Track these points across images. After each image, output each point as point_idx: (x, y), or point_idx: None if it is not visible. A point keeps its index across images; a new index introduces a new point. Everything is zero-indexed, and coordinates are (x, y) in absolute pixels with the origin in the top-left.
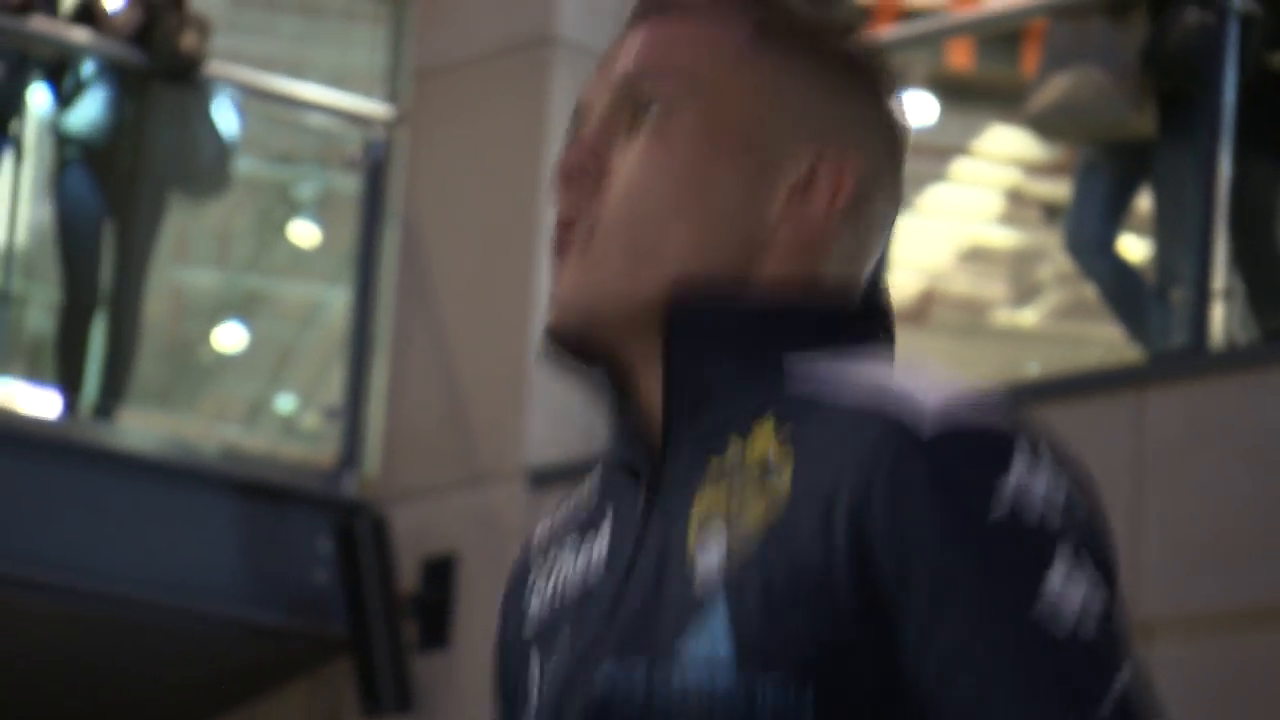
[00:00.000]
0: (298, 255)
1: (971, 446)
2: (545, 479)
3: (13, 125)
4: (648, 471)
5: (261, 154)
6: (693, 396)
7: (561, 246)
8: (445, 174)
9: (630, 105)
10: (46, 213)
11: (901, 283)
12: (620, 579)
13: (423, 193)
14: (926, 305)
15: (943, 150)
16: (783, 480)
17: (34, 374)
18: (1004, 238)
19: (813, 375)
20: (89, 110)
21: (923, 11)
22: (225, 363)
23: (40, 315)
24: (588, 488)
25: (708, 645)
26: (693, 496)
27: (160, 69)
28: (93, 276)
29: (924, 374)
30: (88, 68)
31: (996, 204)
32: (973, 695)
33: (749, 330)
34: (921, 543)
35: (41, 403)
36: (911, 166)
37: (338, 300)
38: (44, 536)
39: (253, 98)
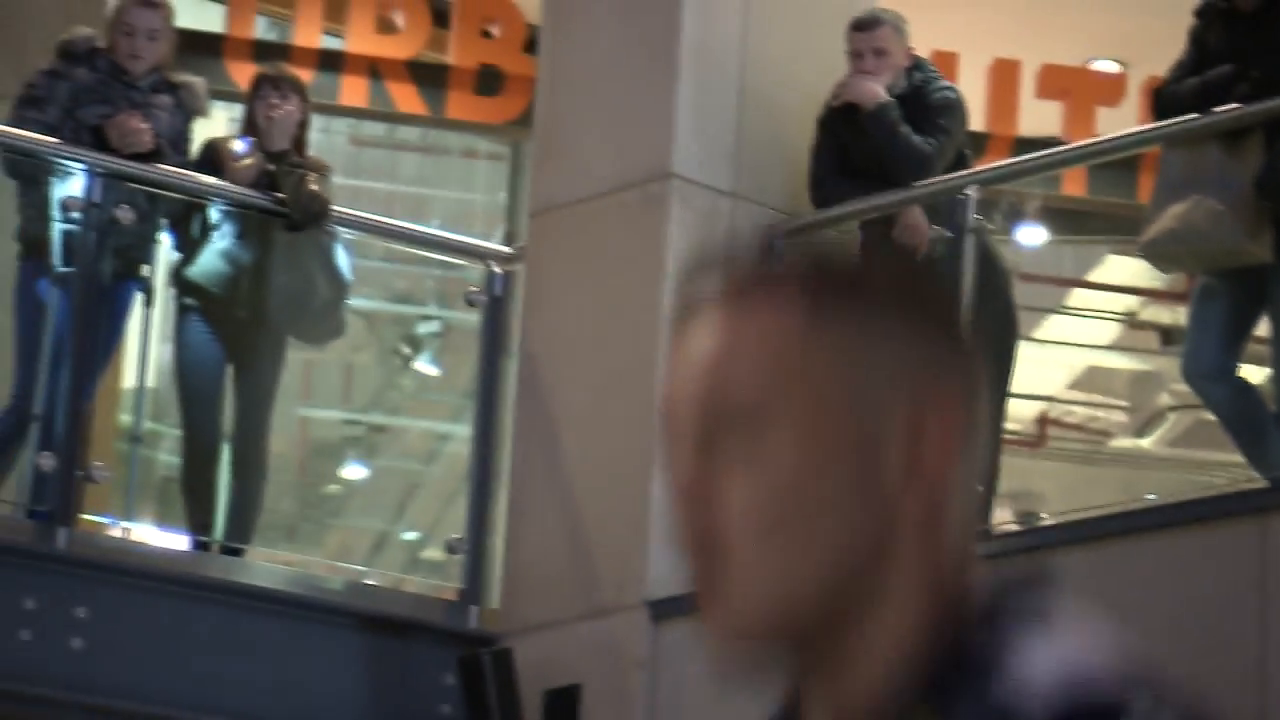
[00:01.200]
0: (419, 391)
1: None
2: (667, 611)
3: (142, 269)
4: None
5: (383, 292)
6: (849, 698)
7: (693, 559)
8: (563, 309)
9: (719, 415)
10: (171, 355)
11: (1020, 409)
12: None
13: (541, 328)
14: (1044, 432)
15: (1059, 279)
16: None
17: (164, 512)
18: (1121, 364)
19: (968, 669)
20: (211, 255)
21: (1037, 141)
22: (350, 498)
23: (170, 455)
24: None
25: None
26: None
27: (290, 216)
28: (215, 420)
29: (1068, 656)
30: (212, 213)
31: (1113, 330)
32: None
33: (895, 631)
34: None
35: (171, 540)
36: (1029, 295)
37: (459, 435)
38: (175, 673)
39: (374, 237)
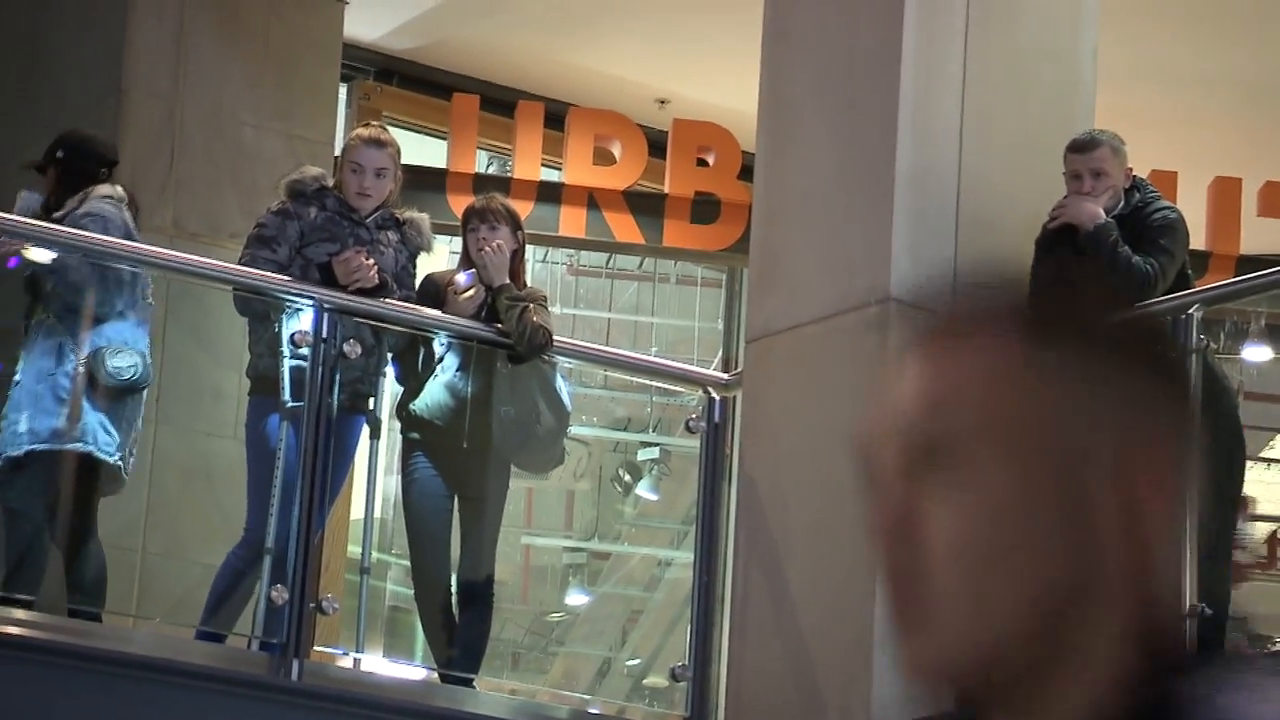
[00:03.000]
0: (640, 518)
1: None
2: None
3: (369, 403)
4: None
5: (603, 420)
6: None
7: (891, 592)
8: (781, 433)
9: (924, 450)
10: (397, 487)
11: (1251, 530)
12: None
13: (760, 452)
14: (1276, 552)
15: None
16: None
17: (393, 643)
18: None
19: (1191, 707)
20: (435, 388)
21: (1260, 259)
22: (573, 626)
23: (398, 585)
24: None
25: None
26: None
27: (513, 347)
28: (444, 552)
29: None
30: (435, 346)
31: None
32: None
33: (1107, 675)
34: None
35: (402, 672)
36: (1256, 414)
37: (681, 560)
38: None
39: (594, 366)
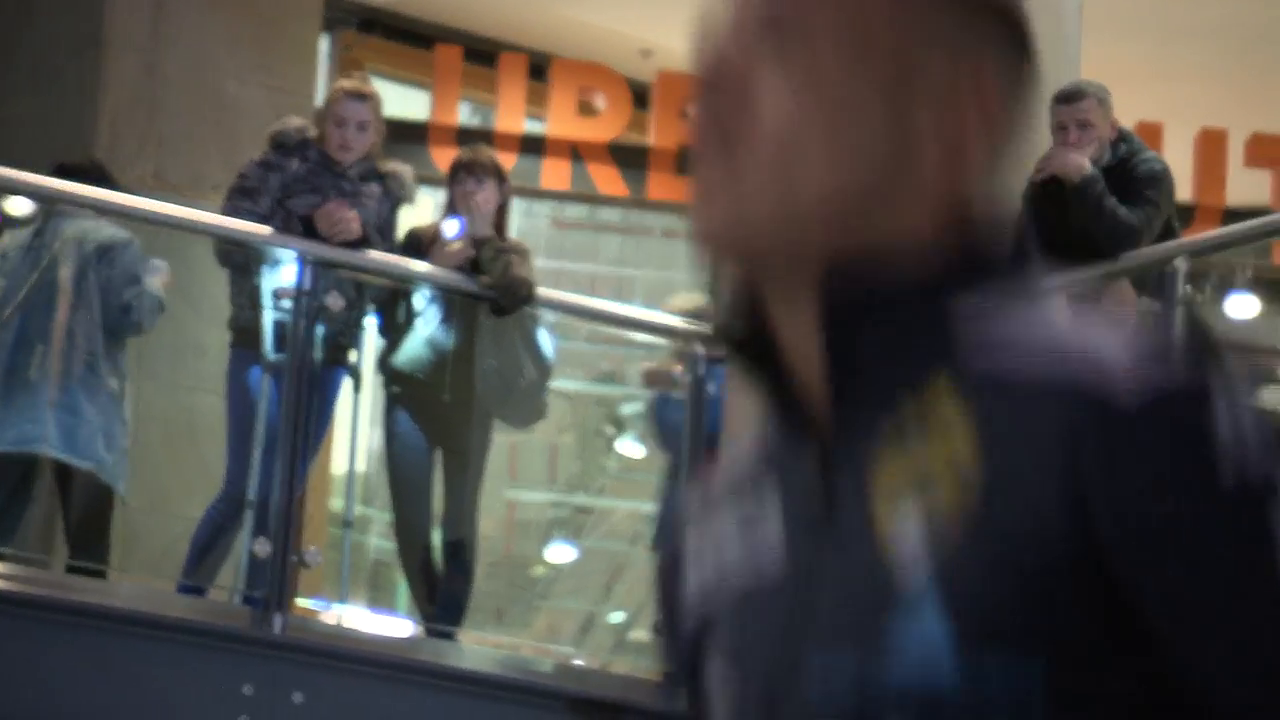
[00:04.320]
0: (624, 472)
1: (1179, 413)
2: None
3: (350, 355)
4: (816, 434)
5: (587, 373)
6: (856, 356)
7: (703, 154)
8: None
9: (773, 21)
10: (380, 440)
11: None
12: (804, 555)
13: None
14: None
15: (1270, 351)
16: (971, 449)
17: (375, 597)
18: None
19: (983, 326)
20: (417, 342)
21: (1246, 211)
22: (556, 580)
23: (380, 539)
24: (740, 450)
25: (921, 627)
26: (870, 462)
27: (495, 300)
28: (425, 506)
29: (1100, 323)
30: (417, 299)
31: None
32: (1235, 663)
33: (910, 282)
34: (1149, 526)
35: (383, 624)
36: (1240, 366)
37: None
38: None
39: (577, 318)
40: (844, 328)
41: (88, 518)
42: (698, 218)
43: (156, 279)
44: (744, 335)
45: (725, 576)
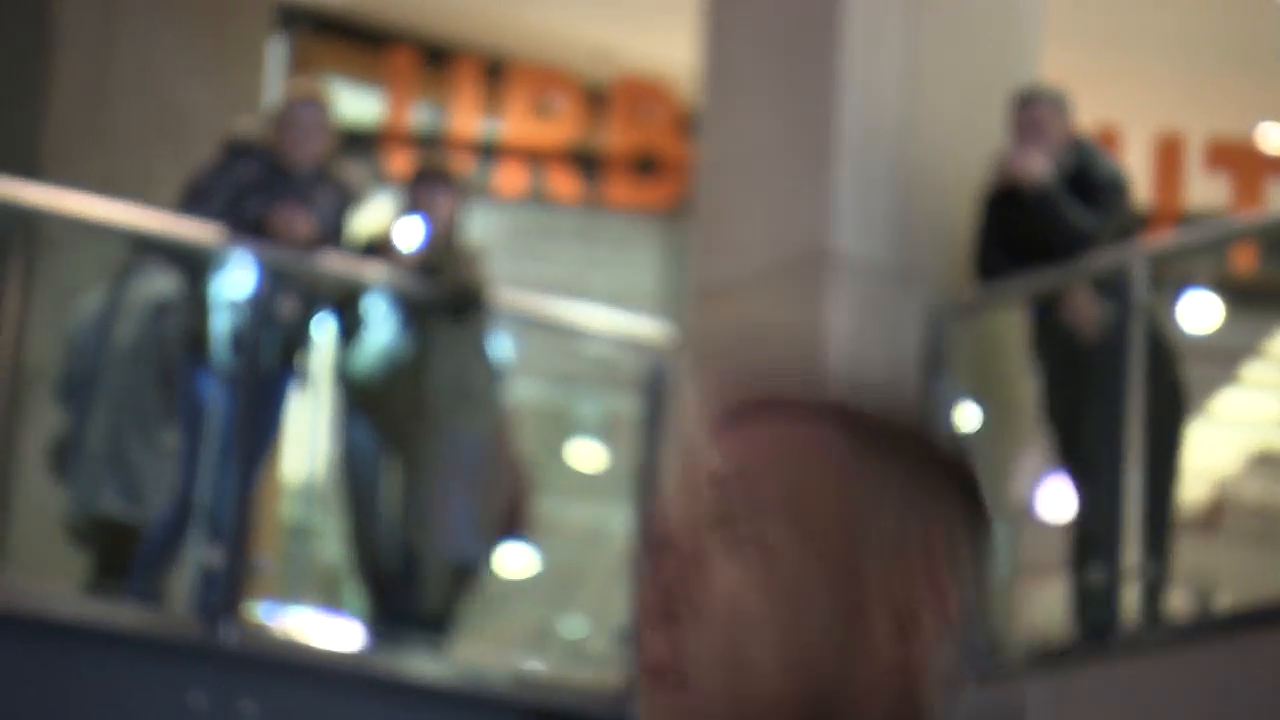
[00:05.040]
0: (580, 477)
1: None
2: None
3: (300, 359)
4: None
5: (543, 377)
6: None
7: (654, 681)
8: None
9: (724, 518)
10: (331, 446)
11: (1192, 491)
12: None
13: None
14: (1218, 514)
15: (1230, 354)
16: None
17: (328, 604)
18: None
19: None
20: (370, 347)
21: (1204, 216)
22: (512, 586)
23: (334, 546)
24: None
25: None
26: None
27: (449, 302)
28: (377, 515)
29: None
30: (371, 302)
31: None
32: None
33: None
34: None
35: (336, 633)
36: (1200, 371)
37: (623, 521)
38: None
39: (532, 323)
40: None
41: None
42: (647, 708)
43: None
44: None
45: None
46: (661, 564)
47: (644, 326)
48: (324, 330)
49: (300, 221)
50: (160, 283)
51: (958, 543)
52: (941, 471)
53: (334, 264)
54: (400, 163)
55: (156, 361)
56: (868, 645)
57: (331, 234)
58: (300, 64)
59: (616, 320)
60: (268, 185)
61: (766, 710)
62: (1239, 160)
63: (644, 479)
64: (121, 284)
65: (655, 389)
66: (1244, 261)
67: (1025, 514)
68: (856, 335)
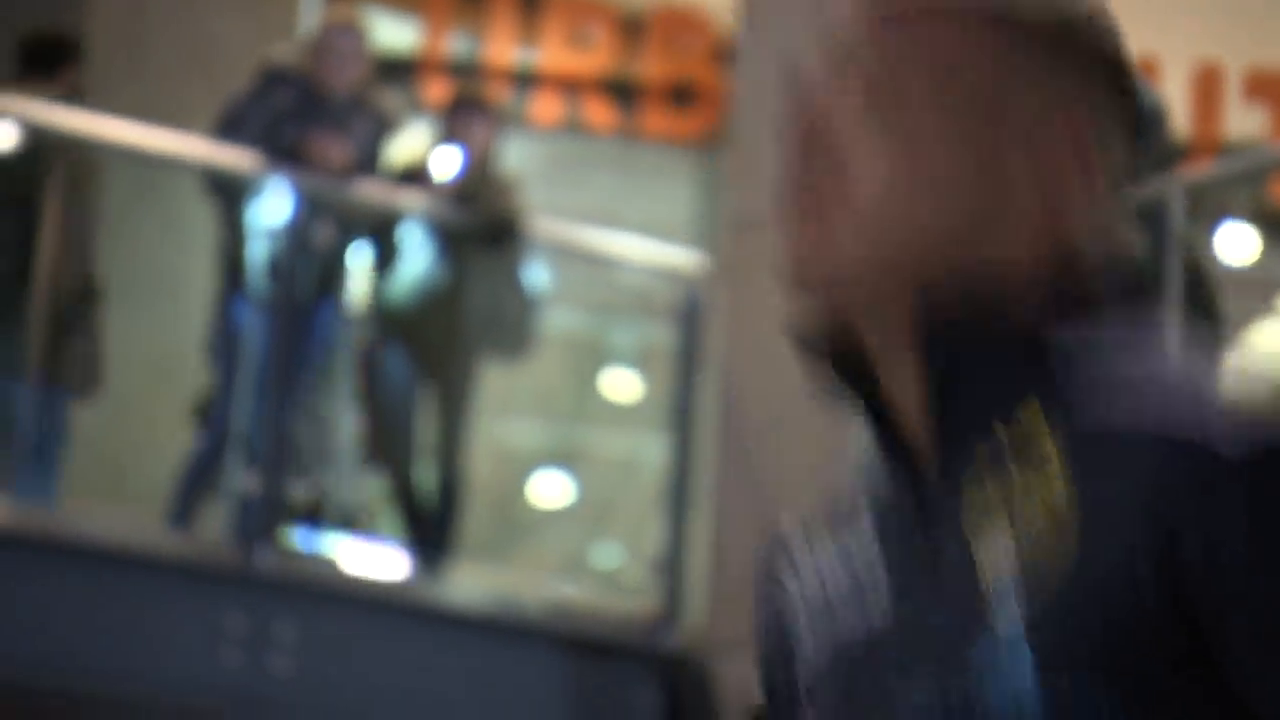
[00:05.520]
0: (615, 407)
1: (1276, 469)
2: None
3: (339, 287)
4: (911, 461)
5: (579, 306)
6: (952, 384)
7: (797, 209)
8: (760, 322)
9: (872, 110)
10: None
11: None
12: (896, 577)
13: (739, 341)
14: None
15: (1268, 284)
16: (1065, 486)
17: (365, 531)
18: None
19: (1083, 362)
20: (406, 274)
21: (1243, 146)
22: (547, 516)
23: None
24: (840, 483)
25: (1007, 654)
26: (963, 487)
27: (484, 232)
28: (412, 443)
29: (1202, 370)
30: (407, 230)
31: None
32: None
33: (1006, 316)
34: (1242, 578)
35: (372, 560)
36: (1237, 302)
37: (657, 451)
38: (378, 693)
39: (567, 253)
40: (942, 359)
41: None
42: (790, 260)
43: None
44: (843, 363)
45: (823, 593)
46: (807, 157)
47: (679, 257)
48: (360, 257)
49: (336, 148)
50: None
51: (1106, 125)
52: (1094, 65)
53: (370, 192)
54: (436, 91)
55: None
56: (1009, 208)
57: (367, 162)
58: None
59: (651, 250)
60: (304, 113)
61: (905, 256)
62: (1277, 90)
63: (679, 409)
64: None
65: (690, 319)
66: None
67: None
68: None
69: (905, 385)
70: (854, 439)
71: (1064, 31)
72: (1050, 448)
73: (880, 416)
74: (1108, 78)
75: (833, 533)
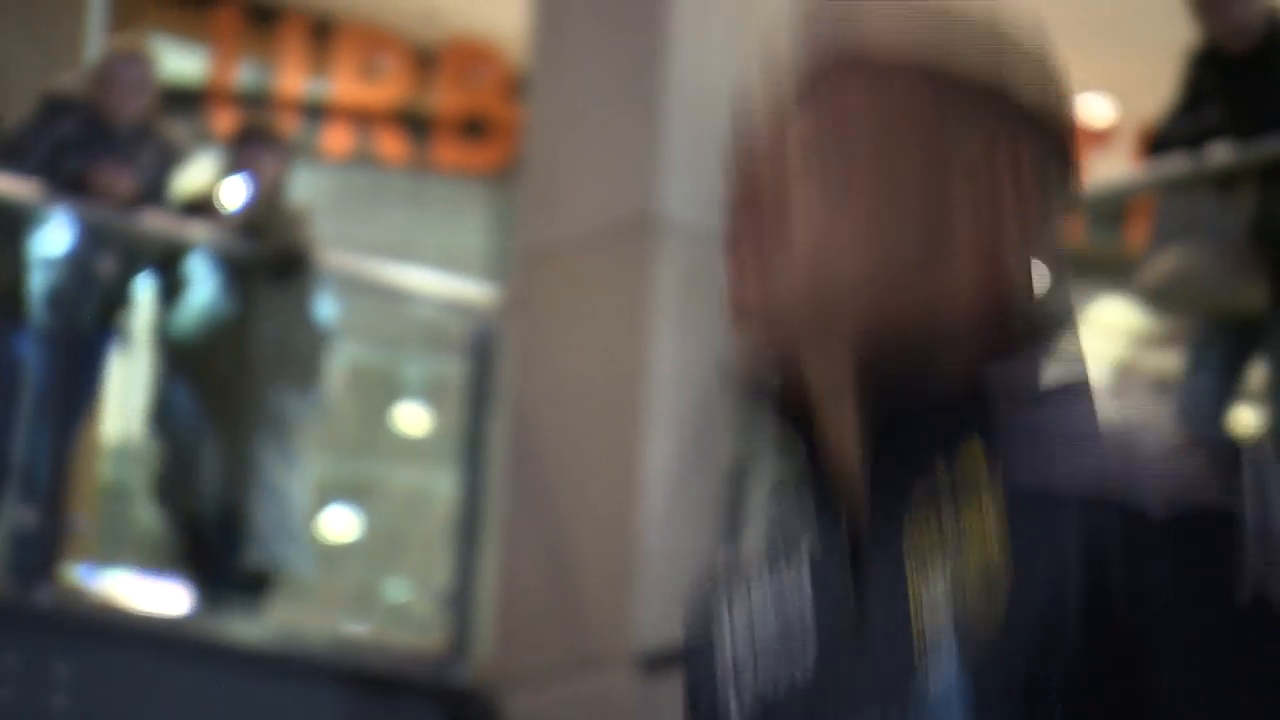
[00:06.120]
0: (406, 440)
1: (1205, 527)
2: (656, 661)
3: (121, 318)
4: (846, 502)
5: (370, 339)
6: (892, 425)
7: (739, 259)
8: (551, 356)
9: (813, 165)
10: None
11: None
12: (833, 616)
13: (528, 375)
14: None
15: None
16: (998, 533)
17: (146, 566)
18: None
19: (1017, 409)
20: (192, 307)
21: None
22: (335, 550)
23: (150, 507)
24: (768, 517)
25: (942, 687)
26: (902, 525)
27: (272, 263)
28: (198, 476)
29: (1139, 428)
30: (193, 262)
31: (1107, 377)
32: None
33: (946, 358)
34: (1167, 635)
35: (154, 596)
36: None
37: (447, 485)
38: None
39: (359, 286)
40: (883, 400)
41: None
42: (733, 297)
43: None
44: (783, 403)
45: (754, 633)
46: (748, 206)
47: (471, 290)
48: (144, 289)
49: (120, 179)
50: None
51: (1044, 175)
52: (1030, 113)
53: (155, 223)
54: (225, 122)
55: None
56: (949, 244)
57: (153, 192)
58: (123, 20)
59: (443, 283)
60: (88, 142)
61: (846, 295)
62: None
63: (470, 442)
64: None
65: (482, 353)
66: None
67: None
68: (684, 299)
69: (845, 426)
70: (652, 475)
71: (1000, 82)
72: (988, 493)
73: (817, 456)
74: (1044, 126)
75: (766, 574)
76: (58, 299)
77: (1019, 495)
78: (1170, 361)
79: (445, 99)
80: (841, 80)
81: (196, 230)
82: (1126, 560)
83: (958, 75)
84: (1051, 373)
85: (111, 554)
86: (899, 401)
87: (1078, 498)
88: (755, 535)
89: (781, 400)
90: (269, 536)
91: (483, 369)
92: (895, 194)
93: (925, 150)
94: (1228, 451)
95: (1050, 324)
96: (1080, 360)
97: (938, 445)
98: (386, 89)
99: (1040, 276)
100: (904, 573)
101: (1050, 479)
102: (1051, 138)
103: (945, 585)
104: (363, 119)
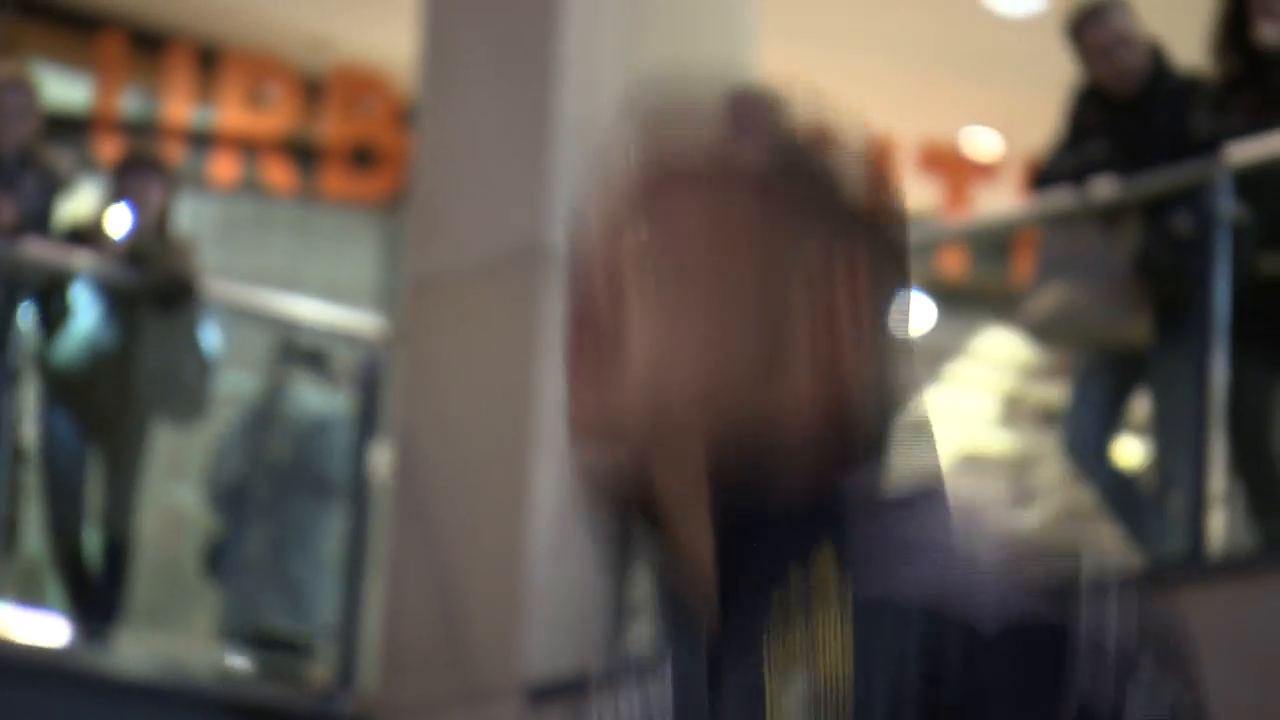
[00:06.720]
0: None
1: (1036, 641)
2: (543, 693)
3: (4, 349)
4: (705, 608)
5: (255, 369)
6: (743, 534)
7: (575, 372)
8: (439, 386)
9: (647, 279)
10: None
11: None
12: None
13: (416, 406)
14: None
15: (938, 354)
16: (847, 635)
17: (28, 598)
18: (1001, 441)
19: (863, 517)
20: (75, 336)
21: (914, 219)
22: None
23: (35, 538)
24: (644, 628)
25: None
26: (760, 635)
27: (157, 292)
28: (78, 506)
29: (985, 538)
30: (77, 291)
31: (993, 408)
32: None
33: (791, 465)
34: None
35: (36, 628)
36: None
37: (333, 516)
38: None
39: (245, 315)
40: (731, 510)
41: None
42: (573, 410)
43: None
44: (631, 512)
45: None
46: (583, 320)
47: (358, 320)
48: (27, 319)
49: (2, 207)
50: (314, 398)
51: (880, 275)
52: (864, 216)
53: (38, 251)
54: (109, 150)
55: (315, 478)
56: (793, 369)
57: (36, 221)
58: (5, 47)
59: (330, 313)
60: None
61: (687, 441)
62: (948, 164)
63: (355, 473)
64: (274, 397)
65: (368, 382)
66: (952, 264)
67: None
68: None
69: (698, 536)
70: (540, 507)
71: (834, 188)
72: (837, 603)
73: (669, 565)
74: (879, 226)
75: (637, 683)
76: None
77: (865, 605)
78: (1055, 393)
79: (333, 128)
80: (676, 191)
81: (80, 259)
82: (961, 672)
83: (792, 184)
84: (902, 477)
85: None
86: (746, 513)
87: (918, 608)
88: (635, 638)
89: (634, 513)
90: (310, 602)
91: (369, 399)
92: (732, 305)
93: (762, 260)
94: (1069, 564)
95: (896, 428)
96: (932, 459)
97: (790, 555)
98: (274, 117)
99: (882, 380)
100: (763, 684)
101: (894, 589)
102: (886, 238)
103: (801, 697)
104: (250, 147)
